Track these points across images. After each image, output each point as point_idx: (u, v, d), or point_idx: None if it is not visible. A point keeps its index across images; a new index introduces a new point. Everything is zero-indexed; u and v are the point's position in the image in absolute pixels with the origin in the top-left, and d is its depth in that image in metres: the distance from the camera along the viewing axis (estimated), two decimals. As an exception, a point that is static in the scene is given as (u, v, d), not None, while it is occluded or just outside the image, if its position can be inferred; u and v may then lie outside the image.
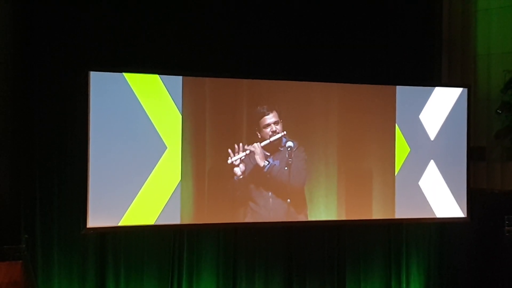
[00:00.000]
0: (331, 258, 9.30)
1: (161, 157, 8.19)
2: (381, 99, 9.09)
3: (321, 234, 9.23)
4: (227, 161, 8.44)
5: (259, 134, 8.57)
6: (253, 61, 8.87)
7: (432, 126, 9.23)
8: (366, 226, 9.29)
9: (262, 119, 8.59)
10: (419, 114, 9.18)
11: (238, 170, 8.47)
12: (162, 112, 8.21)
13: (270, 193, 8.62)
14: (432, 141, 9.24)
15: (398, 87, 9.13)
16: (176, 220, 8.29)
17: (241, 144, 8.47)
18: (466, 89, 9.37)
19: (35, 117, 8.01)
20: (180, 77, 8.30)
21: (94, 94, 7.91)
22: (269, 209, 8.63)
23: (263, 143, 8.56)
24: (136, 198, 8.10)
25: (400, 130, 9.10)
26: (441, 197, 9.26)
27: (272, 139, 8.57)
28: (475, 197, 9.40)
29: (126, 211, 8.06)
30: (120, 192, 8.04)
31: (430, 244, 9.72)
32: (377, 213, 9.05)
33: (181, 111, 8.27)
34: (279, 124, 8.62)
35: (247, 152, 8.48)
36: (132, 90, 8.07)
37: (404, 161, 9.12)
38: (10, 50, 7.95)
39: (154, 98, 8.17)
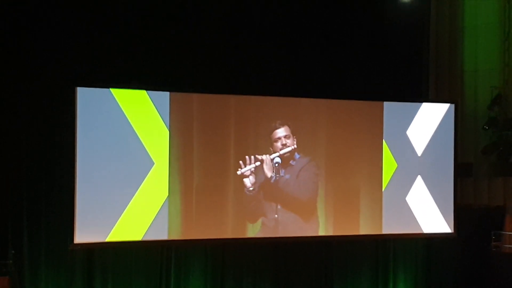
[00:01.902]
0: (318, 273, 9.32)
1: (148, 172, 8.20)
2: (369, 115, 9.15)
3: (309, 249, 9.23)
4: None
5: (271, 148, 8.64)
6: (240, 77, 8.90)
7: (420, 142, 9.27)
8: (353, 242, 9.30)
9: (273, 133, 8.70)
10: (406, 129, 9.23)
11: (248, 181, 8.56)
12: (150, 127, 8.23)
13: (279, 205, 8.69)
14: (420, 156, 9.28)
15: (385, 103, 9.18)
16: (163, 236, 8.30)
17: (252, 157, 8.55)
18: (453, 105, 9.44)
19: (23, 133, 8.01)
20: (167, 93, 8.33)
21: (81, 110, 7.93)
22: (278, 223, 8.70)
23: (272, 156, 8.62)
24: (123, 213, 8.10)
25: (388, 145, 9.14)
26: (428, 213, 9.30)
27: (281, 152, 8.65)
28: (462, 212, 9.44)
29: (113, 227, 8.07)
30: (107, 208, 8.05)
31: (417, 259, 9.75)
32: (364, 229, 9.07)
33: (168, 127, 8.30)
34: (290, 138, 8.71)
35: (257, 163, 8.55)
36: (119, 105, 8.09)
37: (392, 176, 9.15)
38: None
39: (141, 113, 8.20)
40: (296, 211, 8.79)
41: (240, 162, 8.51)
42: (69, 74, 8.10)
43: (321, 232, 8.90)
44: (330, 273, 9.33)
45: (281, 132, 8.70)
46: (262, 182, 8.62)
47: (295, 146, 8.73)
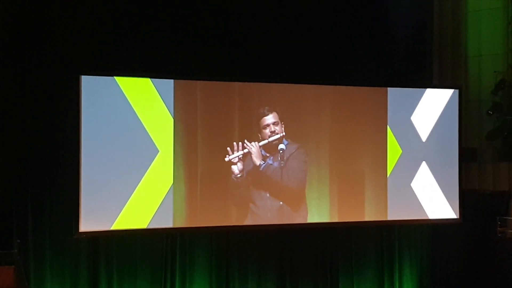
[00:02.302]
0: (324, 260, 9.32)
1: (153, 160, 8.18)
2: (373, 101, 9.13)
3: (313, 236, 9.23)
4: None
5: (260, 135, 8.60)
6: (244, 64, 8.88)
7: (424, 128, 9.26)
8: (358, 228, 9.30)
9: (261, 120, 8.63)
10: (410, 115, 9.21)
11: (235, 168, 8.50)
12: (154, 115, 8.20)
13: (267, 193, 8.64)
14: (424, 142, 9.27)
15: (389, 88, 9.16)
16: (168, 224, 8.28)
17: (240, 144, 8.50)
18: (457, 91, 9.42)
19: (27, 121, 7.98)
20: (172, 81, 8.30)
21: (85, 98, 7.89)
22: (266, 210, 8.66)
23: (261, 143, 8.58)
24: (128, 201, 8.08)
25: (392, 131, 9.13)
26: (433, 199, 9.29)
27: (270, 139, 8.61)
28: (467, 198, 9.44)
29: (118, 215, 8.05)
30: (112, 196, 8.03)
31: (422, 245, 9.75)
32: (369, 215, 9.06)
33: (173, 115, 8.27)
34: (279, 125, 8.66)
35: (245, 151, 8.50)
36: (123, 93, 8.06)
37: (396, 162, 9.14)
38: (0, 55, 7.92)
39: (145, 101, 8.16)
40: (284, 199, 8.73)
41: (228, 148, 8.47)
42: (73, 63, 8.05)
43: (310, 220, 8.85)
44: (335, 260, 9.33)
45: (269, 119, 8.65)
46: (250, 170, 8.57)
47: (284, 133, 8.67)
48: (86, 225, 7.93)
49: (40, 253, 8.08)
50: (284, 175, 8.69)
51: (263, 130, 8.62)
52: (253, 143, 8.54)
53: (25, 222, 8.00)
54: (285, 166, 8.68)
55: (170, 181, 8.26)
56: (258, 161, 8.58)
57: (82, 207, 7.90)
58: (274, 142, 8.63)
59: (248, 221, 8.62)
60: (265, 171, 8.61)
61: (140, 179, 8.13)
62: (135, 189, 8.11)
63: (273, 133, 8.63)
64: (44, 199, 8.09)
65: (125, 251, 8.41)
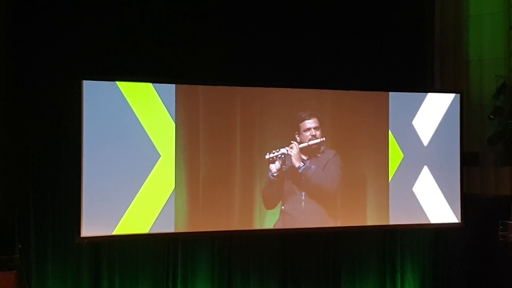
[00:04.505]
0: (326, 265, 9.31)
1: (154, 165, 8.18)
2: (374, 105, 9.13)
3: (315, 240, 9.22)
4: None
5: (298, 137, 8.67)
6: (246, 68, 8.88)
7: (425, 132, 9.26)
8: (360, 233, 9.29)
9: (302, 123, 8.72)
10: (412, 120, 9.21)
11: (273, 167, 8.58)
12: (156, 120, 8.20)
13: (303, 193, 8.71)
14: (426, 146, 9.27)
15: (391, 93, 9.16)
16: (170, 229, 8.28)
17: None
18: (458, 95, 9.42)
19: (29, 126, 7.99)
20: (173, 85, 8.30)
21: (87, 103, 7.89)
22: (300, 212, 8.75)
23: (301, 145, 8.64)
24: (130, 206, 8.08)
25: (394, 136, 9.12)
26: (435, 203, 9.29)
27: (310, 142, 8.69)
28: (469, 202, 9.43)
29: (120, 220, 8.05)
30: (114, 201, 8.03)
31: (424, 249, 9.74)
32: (371, 219, 9.06)
33: (174, 119, 8.27)
34: (319, 130, 8.73)
35: (285, 151, 8.56)
36: (125, 98, 8.06)
37: (398, 167, 9.13)
38: (2, 60, 7.93)
39: (147, 106, 8.16)
40: (320, 202, 8.81)
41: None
42: (75, 68, 8.05)
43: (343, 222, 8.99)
44: (337, 264, 9.31)
45: (311, 123, 8.74)
46: (288, 170, 8.64)
47: (324, 138, 8.76)
48: (88, 230, 7.92)
49: (42, 258, 8.07)
50: (323, 179, 8.80)
51: (304, 133, 8.70)
52: (293, 144, 8.61)
53: (27, 227, 7.99)
54: (323, 171, 8.78)
55: (172, 186, 8.26)
56: (297, 163, 8.65)
57: (83, 212, 7.89)
58: (313, 146, 8.69)
59: (279, 223, 8.67)
60: (304, 173, 8.66)
61: (142, 184, 8.13)
62: (136, 194, 8.11)
63: (313, 137, 8.71)
64: (46, 204, 8.08)
65: (127, 256, 8.39)
